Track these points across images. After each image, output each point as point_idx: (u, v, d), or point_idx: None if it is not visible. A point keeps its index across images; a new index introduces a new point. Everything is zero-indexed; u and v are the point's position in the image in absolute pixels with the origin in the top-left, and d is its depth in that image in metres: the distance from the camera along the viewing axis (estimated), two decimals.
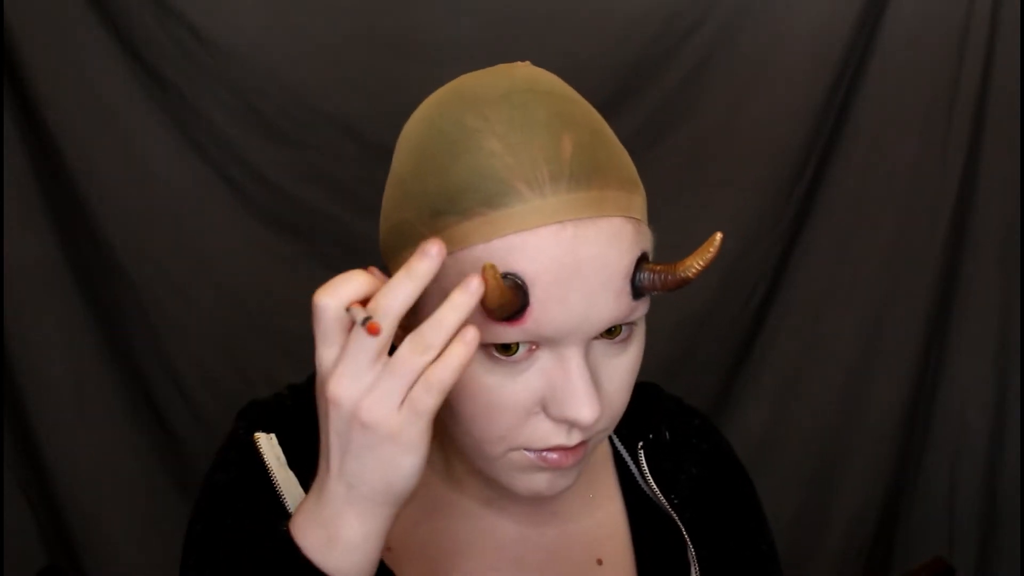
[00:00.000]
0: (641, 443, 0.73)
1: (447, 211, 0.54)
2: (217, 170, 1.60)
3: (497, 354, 0.56)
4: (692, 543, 0.71)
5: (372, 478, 0.52)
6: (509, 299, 0.52)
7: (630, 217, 0.56)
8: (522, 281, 0.53)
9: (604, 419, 0.59)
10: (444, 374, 0.50)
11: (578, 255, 0.53)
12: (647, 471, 0.72)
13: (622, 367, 0.59)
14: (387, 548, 0.68)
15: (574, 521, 0.71)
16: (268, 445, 0.66)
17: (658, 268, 0.56)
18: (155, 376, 1.64)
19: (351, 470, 0.52)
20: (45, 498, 1.64)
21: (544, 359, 0.56)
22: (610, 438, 0.75)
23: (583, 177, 0.54)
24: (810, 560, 1.79)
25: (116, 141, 1.57)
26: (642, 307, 0.57)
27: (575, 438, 0.58)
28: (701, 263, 0.55)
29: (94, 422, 1.64)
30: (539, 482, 0.60)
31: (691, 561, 0.71)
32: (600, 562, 0.70)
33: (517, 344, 0.55)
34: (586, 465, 0.63)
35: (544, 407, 0.57)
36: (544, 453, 0.58)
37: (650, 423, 0.75)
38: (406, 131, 0.61)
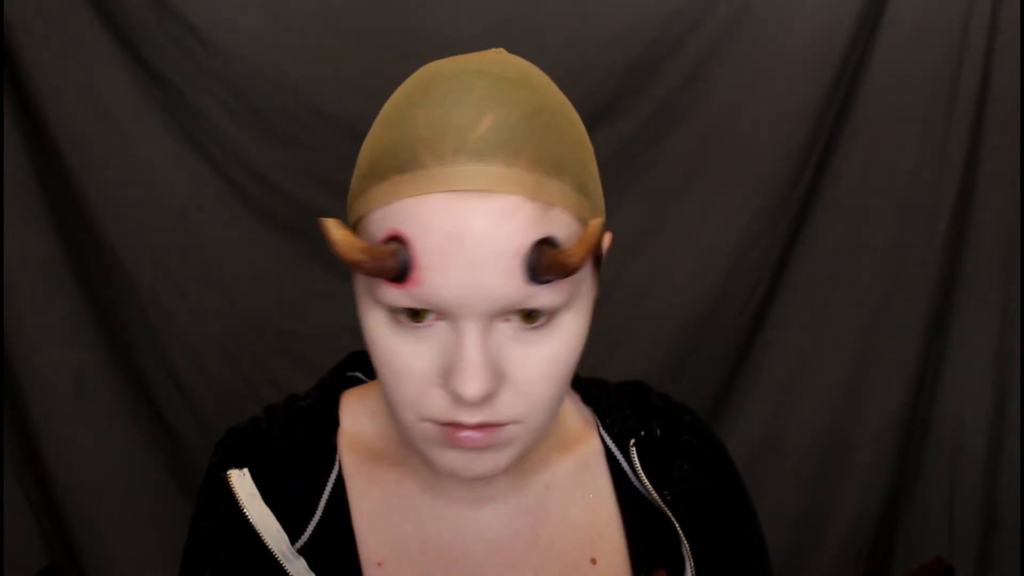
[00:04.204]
0: (633, 440, 0.73)
1: (369, 174, 0.57)
2: (217, 170, 1.60)
3: (404, 319, 0.57)
4: (686, 538, 0.71)
5: None
6: (375, 257, 0.54)
7: (534, 199, 0.55)
8: (402, 244, 0.54)
9: (515, 406, 0.58)
10: None
11: (463, 226, 0.53)
12: (640, 469, 0.72)
13: (538, 356, 0.58)
14: (377, 563, 0.68)
15: (567, 520, 0.71)
16: (240, 483, 0.67)
17: (547, 252, 0.54)
18: (155, 376, 1.64)
19: None
20: (45, 498, 1.64)
21: (444, 330, 0.57)
22: (601, 437, 0.74)
23: (487, 152, 0.54)
24: (810, 560, 1.79)
25: (116, 140, 1.57)
26: (548, 295, 0.56)
27: (474, 417, 0.57)
28: (580, 251, 0.54)
29: (94, 421, 1.64)
30: (454, 460, 0.60)
31: (686, 556, 0.71)
32: (594, 561, 0.70)
33: (425, 311, 0.56)
34: (522, 455, 0.62)
35: (443, 379, 0.57)
36: (448, 429, 0.58)
37: (641, 421, 0.74)
38: None
